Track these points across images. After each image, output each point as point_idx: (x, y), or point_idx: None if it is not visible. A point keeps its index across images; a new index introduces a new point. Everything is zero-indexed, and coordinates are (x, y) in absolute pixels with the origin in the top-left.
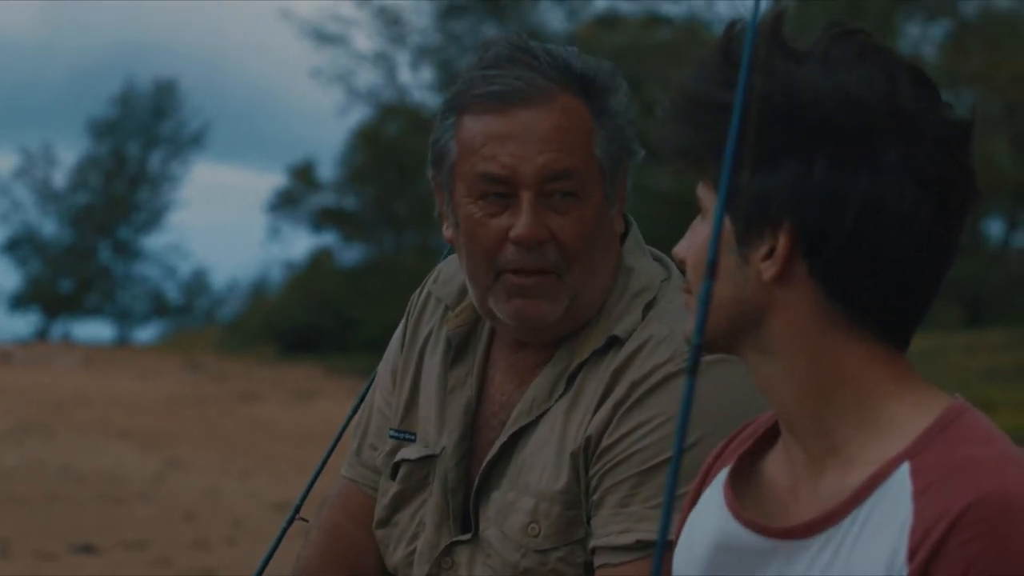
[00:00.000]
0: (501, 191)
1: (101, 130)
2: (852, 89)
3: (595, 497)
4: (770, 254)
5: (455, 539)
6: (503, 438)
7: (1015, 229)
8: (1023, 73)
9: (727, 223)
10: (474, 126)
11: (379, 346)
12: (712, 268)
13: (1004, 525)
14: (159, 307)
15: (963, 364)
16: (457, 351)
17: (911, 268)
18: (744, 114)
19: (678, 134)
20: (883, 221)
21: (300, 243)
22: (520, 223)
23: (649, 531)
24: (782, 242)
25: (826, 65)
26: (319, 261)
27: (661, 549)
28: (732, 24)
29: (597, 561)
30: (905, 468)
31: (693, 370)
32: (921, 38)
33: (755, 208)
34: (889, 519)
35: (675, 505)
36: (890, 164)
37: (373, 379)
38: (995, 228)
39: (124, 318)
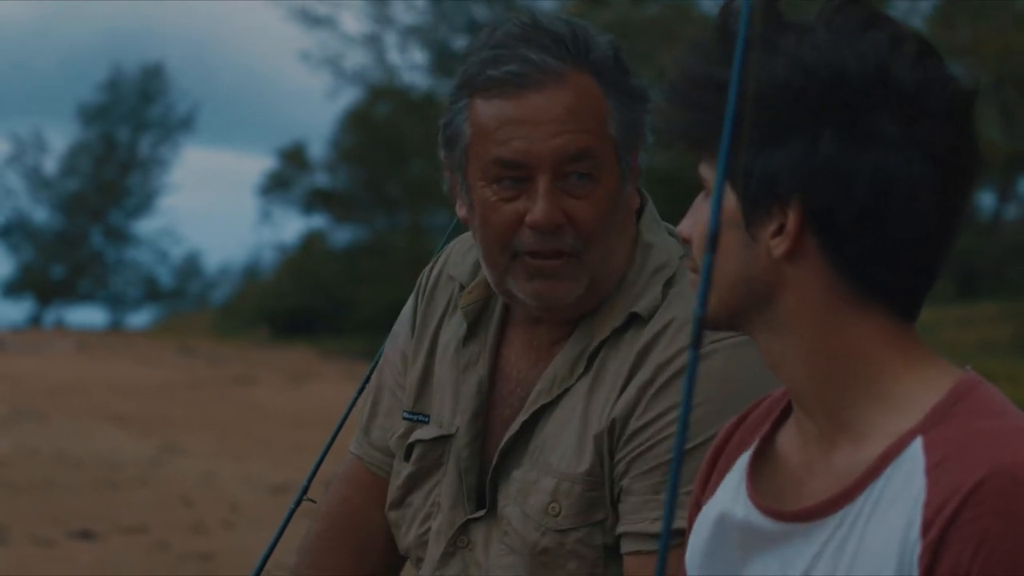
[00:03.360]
0: (517, 175)
1: (90, 116)
2: (857, 63)
3: (624, 482)
4: (780, 231)
5: (470, 516)
6: (524, 416)
7: (1006, 202)
8: (1011, 46)
9: (734, 201)
10: (487, 110)
11: (373, 327)
12: (713, 241)
13: (1017, 499)
14: (152, 292)
15: (957, 337)
16: (470, 328)
17: (920, 241)
18: (742, 90)
19: (680, 116)
20: (892, 196)
21: (292, 225)
22: (537, 208)
23: (682, 518)
24: (792, 219)
25: (830, 38)
26: (311, 243)
27: (666, 537)
28: (730, 1)
29: (627, 547)
30: (918, 443)
31: (696, 344)
32: (910, 11)
33: (763, 185)
34: (902, 494)
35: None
36: (897, 138)
37: (377, 362)
38: (987, 201)
39: (117, 303)
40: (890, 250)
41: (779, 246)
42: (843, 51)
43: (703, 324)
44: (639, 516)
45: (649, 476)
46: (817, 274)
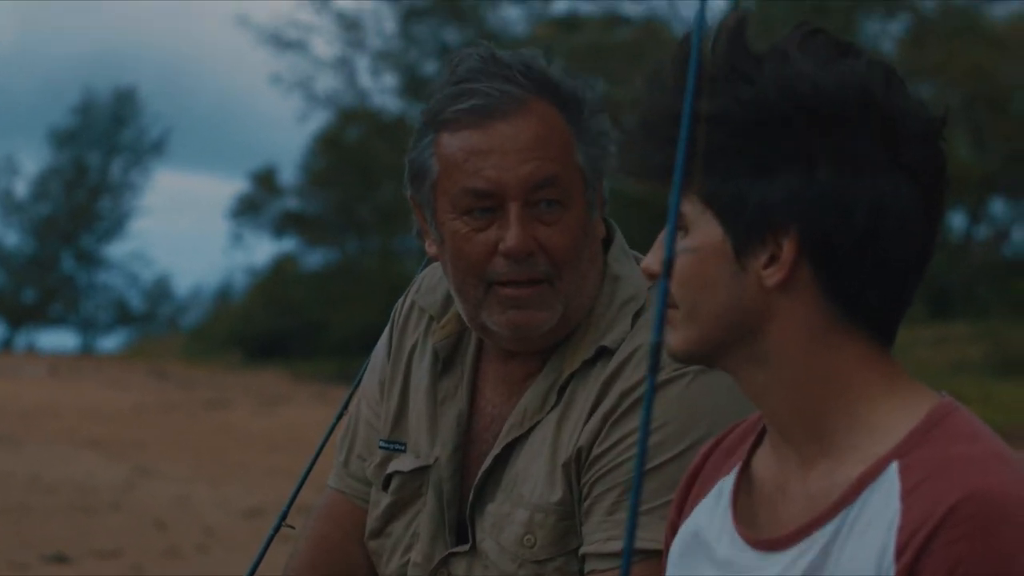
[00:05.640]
0: (487, 205)
1: (62, 140)
2: (841, 89)
3: (585, 504)
4: (771, 260)
5: (452, 551)
6: (496, 450)
7: (978, 223)
8: (981, 66)
9: (718, 232)
10: (454, 142)
11: (345, 350)
12: (668, 267)
13: (990, 524)
14: (123, 315)
15: (930, 358)
16: (445, 362)
17: (910, 265)
18: (701, 117)
19: (654, 152)
20: (888, 221)
21: (263, 249)
22: (509, 235)
23: (644, 539)
24: (787, 248)
25: (811, 65)
26: (282, 266)
27: (628, 555)
28: (690, 34)
29: (587, 567)
30: (894, 467)
31: (653, 370)
32: (880, 33)
33: (757, 215)
34: (878, 518)
35: (661, 512)
36: (886, 163)
37: (355, 389)
38: (958, 221)
39: (88, 327)
40: (885, 276)
41: (772, 276)
42: (826, 77)
43: (659, 351)
44: (594, 537)
45: (606, 497)
46: (808, 303)
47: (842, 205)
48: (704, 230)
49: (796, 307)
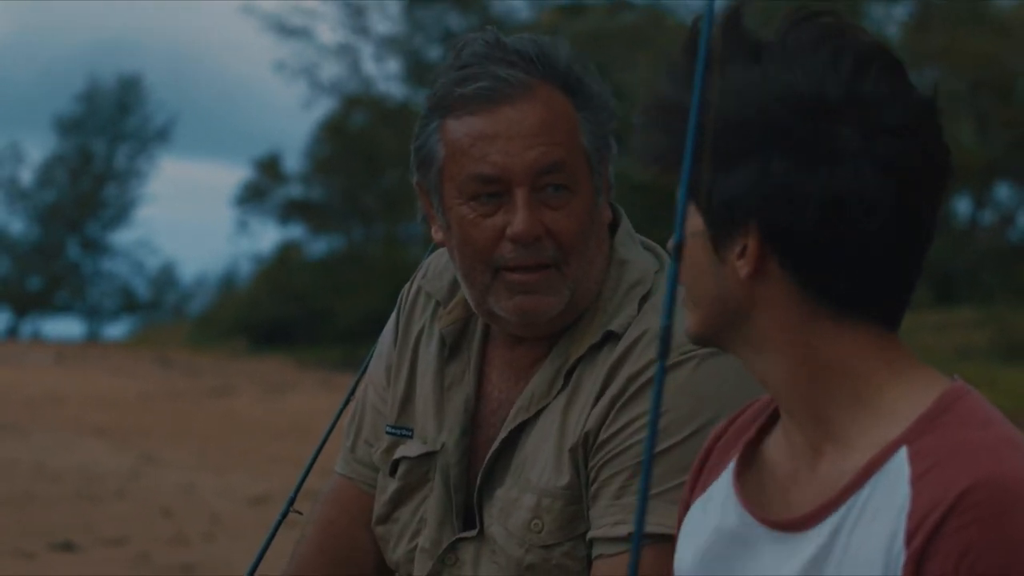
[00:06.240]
0: (493, 190)
1: (67, 127)
2: (804, 85)
3: (592, 489)
4: (743, 252)
5: (460, 536)
6: (503, 434)
7: (982, 208)
8: (986, 52)
9: (701, 223)
10: (460, 128)
11: (350, 337)
12: (678, 251)
13: (1000, 510)
14: (128, 303)
15: (935, 343)
16: (452, 348)
17: (882, 254)
18: (705, 110)
19: (654, 141)
20: (846, 212)
21: (268, 236)
22: (517, 220)
23: (653, 523)
24: (751, 241)
25: (778, 60)
26: (287, 254)
27: (638, 540)
28: (696, 21)
29: (594, 552)
30: (903, 453)
31: (663, 355)
32: (885, 18)
33: (722, 210)
34: (887, 504)
35: (669, 496)
36: (848, 154)
37: (362, 375)
38: (963, 207)
39: (94, 315)
40: (850, 266)
41: (743, 268)
42: (791, 73)
43: (669, 335)
44: (601, 521)
45: (613, 482)
46: (784, 292)
47: (796, 200)
48: (692, 219)
49: (774, 296)
